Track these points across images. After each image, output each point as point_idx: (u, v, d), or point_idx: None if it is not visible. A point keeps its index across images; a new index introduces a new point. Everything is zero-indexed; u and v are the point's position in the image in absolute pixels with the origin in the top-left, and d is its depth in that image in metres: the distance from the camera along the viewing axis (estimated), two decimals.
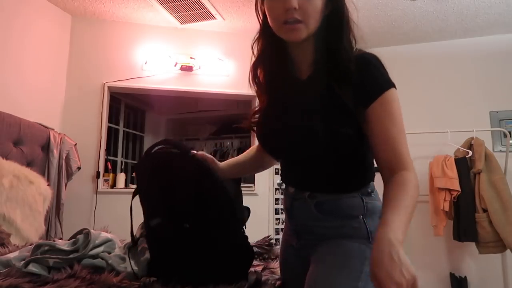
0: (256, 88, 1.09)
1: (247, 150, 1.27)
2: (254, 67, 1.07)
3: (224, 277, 1.05)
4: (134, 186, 3.64)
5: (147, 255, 1.22)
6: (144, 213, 1.15)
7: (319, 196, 1.00)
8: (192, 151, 1.11)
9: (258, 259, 1.50)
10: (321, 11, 0.93)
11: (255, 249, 1.51)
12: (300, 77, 1.02)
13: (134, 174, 1.18)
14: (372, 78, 0.92)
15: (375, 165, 1.00)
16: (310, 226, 1.03)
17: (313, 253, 0.99)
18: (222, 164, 1.18)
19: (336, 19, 0.96)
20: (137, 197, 1.17)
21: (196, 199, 1.03)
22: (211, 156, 1.15)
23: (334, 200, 0.99)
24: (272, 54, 1.03)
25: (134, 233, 1.25)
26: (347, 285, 0.87)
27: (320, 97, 0.94)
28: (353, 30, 0.98)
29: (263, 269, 1.32)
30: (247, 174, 1.46)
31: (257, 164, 1.27)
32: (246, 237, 1.12)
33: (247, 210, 1.16)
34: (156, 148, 1.10)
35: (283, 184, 1.13)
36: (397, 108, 0.94)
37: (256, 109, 1.10)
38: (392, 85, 0.93)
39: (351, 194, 0.99)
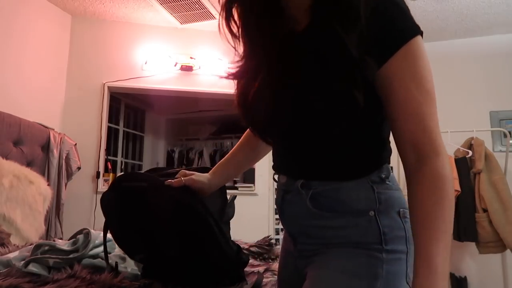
0: (232, 37, 0.82)
1: (237, 144, 1.04)
2: (228, 5, 0.79)
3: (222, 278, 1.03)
4: None
5: None
6: (122, 249, 1.08)
7: (315, 184, 0.75)
8: (168, 181, 0.93)
9: (258, 259, 1.50)
10: None
11: (255, 249, 1.51)
12: (295, 29, 0.75)
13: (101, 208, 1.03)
14: (393, 22, 0.66)
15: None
16: (305, 226, 0.78)
17: (309, 267, 0.76)
18: (211, 173, 1.00)
19: None
20: None
21: (178, 233, 0.94)
22: (193, 180, 0.95)
23: (335, 189, 0.74)
24: None
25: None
26: None
27: (321, 56, 0.69)
28: None
29: (265, 271, 1.32)
30: (242, 171, 1.22)
31: (251, 156, 1.04)
32: (236, 245, 1.00)
33: (233, 207, 1.11)
34: (125, 182, 0.99)
35: (275, 174, 0.88)
36: (427, 64, 0.67)
37: (236, 64, 0.84)
38: (419, 31, 0.69)
39: (358, 182, 0.74)
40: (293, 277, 0.81)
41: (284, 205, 0.82)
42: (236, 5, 0.77)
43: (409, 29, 0.68)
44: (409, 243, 0.72)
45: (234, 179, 3.54)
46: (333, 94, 0.67)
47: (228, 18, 0.79)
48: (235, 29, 0.80)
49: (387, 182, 0.76)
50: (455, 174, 2.95)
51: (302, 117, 0.72)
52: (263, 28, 0.75)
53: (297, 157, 0.80)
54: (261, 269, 1.32)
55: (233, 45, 0.82)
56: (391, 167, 0.79)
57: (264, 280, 1.17)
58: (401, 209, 0.74)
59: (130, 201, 0.97)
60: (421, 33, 0.70)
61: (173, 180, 0.93)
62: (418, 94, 0.65)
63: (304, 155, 0.78)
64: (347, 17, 0.66)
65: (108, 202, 1.01)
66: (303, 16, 0.74)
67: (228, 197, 1.17)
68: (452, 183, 0.65)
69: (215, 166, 1.03)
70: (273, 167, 0.87)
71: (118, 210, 1.01)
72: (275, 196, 0.99)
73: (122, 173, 3.51)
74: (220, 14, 0.80)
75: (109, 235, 1.24)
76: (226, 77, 0.86)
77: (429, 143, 0.64)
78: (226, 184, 1.10)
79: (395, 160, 0.94)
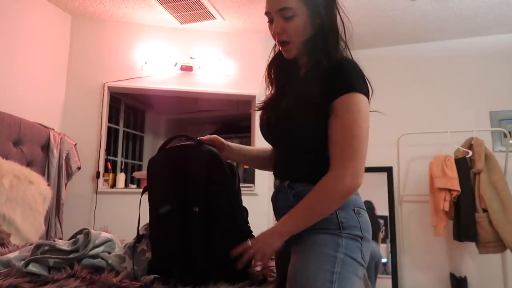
0: (268, 83, 1.24)
1: (262, 146, 1.35)
2: (270, 65, 1.23)
3: (225, 272, 1.07)
4: (134, 186, 3.64)
5: (148, 255, 1.22)
6: (152, 205, 1.17)
7: (297, 186, 1.09)
8: (201, 137, 1.21)
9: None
10: (305, 28, 1.07)
11: None
12: (300, 74, 1.16)
13: (146, 171, 1.21)
14: (339, 80, 1.02)
15: None
16: None
17: (293, 246, 1.06)
18: (233, 144, 1.29)
19: (321, 31, 1.08)
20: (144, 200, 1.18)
21: (206, 185, 1.09)
22: (217, 138, 1.23)
23: (309, 190, 1.03)
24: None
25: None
26: (323, 269, 0.97)
27: (303, 90, 1.06)
28: (339, 36, 1.11)
29: (263, 269, 1.32)
30: (253, 165, 1.53)
31: (263, 157, 1.33)
32: (251, 232, 1.15)
33: (246, 210, 1.18)
34: (172, 141, 1.20)
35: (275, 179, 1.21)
36: (354, 111, 1.00)
37: (265, 99, 1.24)
38: (356, 90, 1.00)
39: None
40: (285, 256, 1.08)
41: (276, 201, 1.16)
42: (273, 65, 1.23)
43: (349, 86, 1.00)
44: (364, 231, 1.04)
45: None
46: (305, 122, 1.04)
47: (269, 72, 1.23)
48: (270, 78, 1.23)
49: None
50: (455, 174, 2.95)
51: (284, 137, 1.10)
52: (285, 70, 1.19)
53: (285, 165, 1.15)
54: (258, 268, 1.32)
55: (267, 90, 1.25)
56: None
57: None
58: (356, 208, 1.06)
59: (172, 159, 1.15)
60: (362, 92, 1.01)
61: (205, 137, 1.22)
62: (341, 127, 1.00)
63: (289, 164, 1.12)
64: (319, 76, 1.03)
65: (153, 162, 1.18)
66: (305, 68, 1.15)
67: None
68: (324, 191, 1.00)
69: (239, 144, 1.33)
70: (273, 174, 1.21)
71: (162, 164, 1.16)
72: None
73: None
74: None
75: (108, 235, 1.24)
76: (258, 109, 1.23)
77: (334, 160, 1.00)
78: None
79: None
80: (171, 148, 1.19)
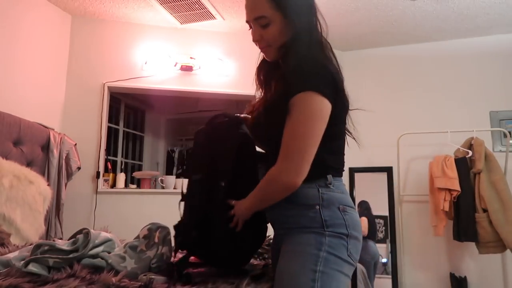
0: (258, 86, 1.28)
1: None
2: (259, 68, 1.28)
3: (237, 250, 1.16)
4: (134, 186, 3.63)
5: (148, 254, 1.23)
6: (189, 171, 1.26)
7: None
8: (239, 115, 1.29)
9: (258, 259, 1.50)
10: (281, 33, 1.12)
11: None
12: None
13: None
14: (295, 79, 1.04)
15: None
16: (277, 214, 1.14)
17: (282, 246, 1.10)
18: None
19: (296, 35, 1.11)
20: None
21: (233, 165, 1.16)
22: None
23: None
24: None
25: (138, 234, 1.29)
26: (305, 269, 1.00)
27: (271, 93, 1.11)
28: (315, 39, 1.14)
29: (263, 266, 1.33)
30: None
31: None
32: (265, 219, 1.22)
33: None
34: (216, 119, 1.27)
35: None
36: (304, 110, 1.01)
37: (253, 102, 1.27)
38: (310, 89, 1.01)
39: (308, 185, 1.07)
40: (277, 254, 1.13)
41: None
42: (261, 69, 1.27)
43: (301, 86, 1.02)
44: (349, 229, 1.06)
45: None
46: (272, 124, 1.08)
47: (258, 75, 1.28)
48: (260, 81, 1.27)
49: (331, 187, 1.10)
50: (455, 174, 2.95)
51: (262, 139, 1.19)
52: (270, 72, 1.21)
53: (270, 165, 1.11)
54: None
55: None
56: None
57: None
58: (341, 205, 1.08)
59: (212, 134, 1.23)
60: (318, 92, 1.01)
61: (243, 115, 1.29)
62: (290, 125, 1.02)
63: (273, 165, 1.10)
64: (284, 78, 1.08)
65: (198, 133, 1.28)
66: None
67: None
68: (269, 181, 1.07)
69: None
70: None
71: (204, 137, 1.26)
72: None
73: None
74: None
75: (108, 235, 1.24)
76: (248, 113, 1.26)
77: (280, 155, 1.03)
78: None
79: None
80: (215, 124, 1.25)
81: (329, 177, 1.10)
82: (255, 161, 1.22)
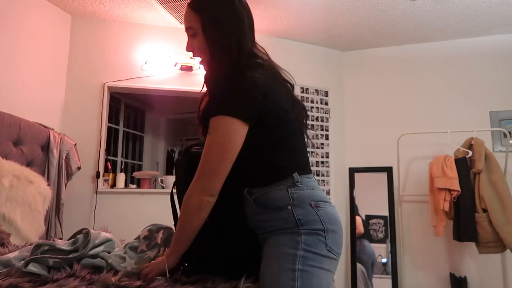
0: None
1: None
2: None
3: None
4: (134, 186, 3.63)
5: (149, 254, 1.23)
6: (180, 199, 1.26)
7: (255, 191, 1.13)
8: None
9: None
10: (206, 45, 1.15)
11: None
12: None
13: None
14: (212, 102, 1.13)
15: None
16: (255, 221, 1.14)
17: (263, 251, 1.11)
18: None
19: (217, 48, 1.15)
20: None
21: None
22: None
23: (265, 193, 1.11)
24: None
25: (139, 235, 1.29)
26: (284, 269, 1.01)
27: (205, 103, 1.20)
28: (233, 56, 1.13)
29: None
30: None
31: None
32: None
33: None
34: (192, 148, 1.28)
35: None
36: (216, 134, 1.06)
37: None
38: (223, 113, 1.05)
39: (277, 187, 1.10)
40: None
41: (245, 209, 1.17)
42: None
43: (218, 110, 1.06)
44: (325, 223, 1.06)
45: None
46: None
47: None
48: None
49: (299, 185, 1.10)
50: (455, 174, 2.95)
51: None
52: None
53: (240, 175, 1.13)
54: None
55: None
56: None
57: None
58: (313, 202, 1.08)
59: (190, 161, 1.23)
60: (231, 115, 1.04)
61: None
62: (203, 155, 1.08)
63: (241, 173, 1.11)
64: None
65: (177, 163, 1.32)
66: None
67: None
68: (185, 209, 1.09)
69: None
70: None
71: (180, 169, 1.28)
72: None
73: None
74: None
75: (108, 235, 1.24)
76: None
77: (194, 178, 1.08)
78: None
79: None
80: (192, 153, 1.27)
81: (295, 175, 1.10)
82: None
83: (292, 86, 1.24)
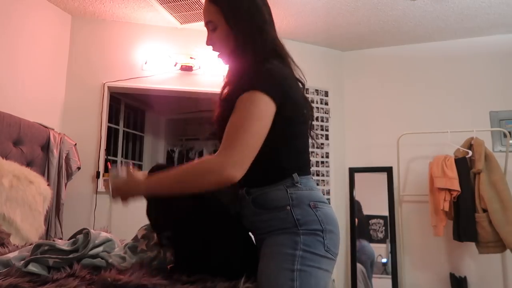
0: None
1: None
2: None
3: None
4: None
5: (149, 254, 1.23)
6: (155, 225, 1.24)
7: (253, 191, 1.13)
8: None
9: None
10: (227, 37, 1.15)
11: None
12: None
13: None
14: (243, 80, 1.08)
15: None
16: (253, 221, 1.14)
17: (261, 251, 1.11)
18: None
19: (242, 38, 1.14)
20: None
21: (195, 212, 1.11)
22: None
23: (264, 193, 1.11)
24: None
25: (136, 235, 1.29)
26: (283, 269, 1.01)
27: (226, 91, 1.17)
28: (260, 40, 1.14)
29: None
30: None
31: None
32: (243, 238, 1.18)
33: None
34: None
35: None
36: (248, 107, 1.02)
37: None
38: (256, 88, 1.03)
39: (276, 187, 1.09)
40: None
41: (242, 209, 1.17)
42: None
43: (249, 86, 1.04)
44: (323, 224, 1.06)
45: None
46: None
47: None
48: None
49: (298, 185, 1.10)
50: (455, 174, 2.95)
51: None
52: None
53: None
54: None
55: None
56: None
57: None
58: (311, 202, 1.09)
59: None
60: (264, 91, 1.02)
61: None
62: (231, 125, 1.03)
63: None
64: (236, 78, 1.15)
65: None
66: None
67: None
68: (195, 168, 1.05)
69: None
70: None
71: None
72: None
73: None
74: None
75: (108, 235, 1.24)
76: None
77: (221, 145, 1.03)
78: None
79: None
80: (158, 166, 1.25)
81: (295, 176, 1.10)
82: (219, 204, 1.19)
83: (303, 85, 1.23)
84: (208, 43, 1.20)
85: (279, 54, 1.17)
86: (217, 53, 1.21)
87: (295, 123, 1.13)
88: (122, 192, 1.10)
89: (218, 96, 1.25)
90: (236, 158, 0.99)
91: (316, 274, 1.02)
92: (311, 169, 1.20)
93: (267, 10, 1.20)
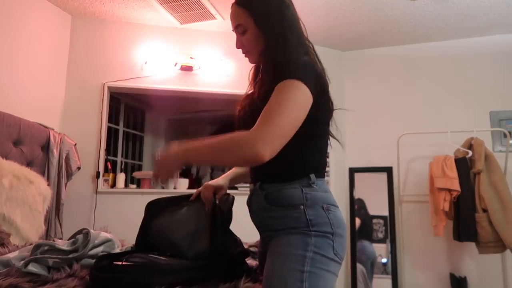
0: (249, 82, 1.34)
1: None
2: (254, 67, 1.33)
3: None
4: (134, 186, 3.62)
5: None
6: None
7: (267, 187, 1.12)
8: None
9: (257, 259, 1.50)
10: (258, 38, 1.16)
11: (254, 249, 1.52)
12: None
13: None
14: (282, 70, 1.06)
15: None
16: (263, 217, 1.14)
17: (269, 249, 1.10)
18: (223, 180, 1.35)
19: (272, 38, 1.15)
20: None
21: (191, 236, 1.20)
22: (208, 190, 1.28)
23: (278, 190, 1.10)
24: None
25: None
26: (293, 270, 1.00)
27: (262, 90, 1.12)
28: (291, 39, 1.14)
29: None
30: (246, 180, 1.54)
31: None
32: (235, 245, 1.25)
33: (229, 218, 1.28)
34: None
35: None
36: (287, 91, 1.01)
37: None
38: (295, 77, 1.02)
39: (291, 185, 1.09)
40: (263, 257, 1.13)
41: (251, 204, 1.18)
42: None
43: (289, 73, 1.04)
44: (334, 227, 1.06)
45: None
46: None
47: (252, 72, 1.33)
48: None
49: (314, 186, 1.09)
50: (455, 174, 2.95)
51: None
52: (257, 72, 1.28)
53: (256, 168, 1.16)
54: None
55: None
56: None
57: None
58: (324, 204, 1.08)
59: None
60: (303, 81, 1.02)
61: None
62: (274, 101, 1.01)
63: (260, 166, 1.02)
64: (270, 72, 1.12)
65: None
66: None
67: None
68: (234, 140, 1.01)
69: (227, 173, 1.39)
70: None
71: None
72: None
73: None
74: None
75: (108, 235, 1.23)
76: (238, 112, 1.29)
77: (257, 123, 1.00)
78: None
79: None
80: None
81: (312, 176, 1.10)
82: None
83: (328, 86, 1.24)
84: (238, 47, 1.23)
85: (309, 52, 1.18)
86: (245, 53, 1.23)
87: (321, 123, 1.13)
88: (160, 166, 1.06)
89: (246, 96, 1.27)
90: (268, 136, 0.96)
91: (325, 277, 1.02)
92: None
93: (292, 5, 1.21)
